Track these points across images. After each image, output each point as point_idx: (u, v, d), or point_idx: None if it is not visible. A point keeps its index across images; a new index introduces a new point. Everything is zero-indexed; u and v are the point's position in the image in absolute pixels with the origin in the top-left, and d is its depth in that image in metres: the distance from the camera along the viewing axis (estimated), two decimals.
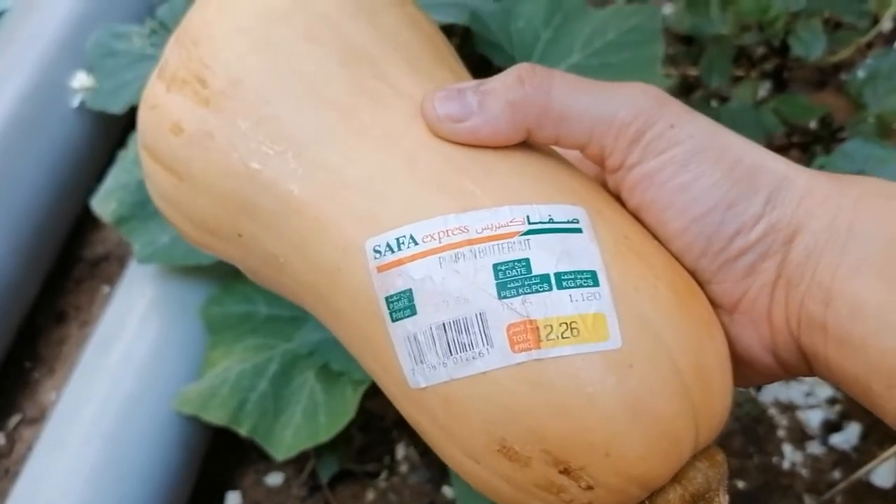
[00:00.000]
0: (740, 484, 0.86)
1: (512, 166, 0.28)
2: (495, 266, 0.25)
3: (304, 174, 0.28)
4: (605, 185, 0.30)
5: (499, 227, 0.26)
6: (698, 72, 0.99)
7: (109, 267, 1.06)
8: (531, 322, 0.25)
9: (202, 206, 0.30)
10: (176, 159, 0.29)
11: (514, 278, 0.25)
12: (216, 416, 0.76)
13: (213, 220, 0.30)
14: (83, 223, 1.08)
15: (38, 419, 0.93)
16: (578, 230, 0.26)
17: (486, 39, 0.83)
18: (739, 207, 0.27)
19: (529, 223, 0.26)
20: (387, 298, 0.26)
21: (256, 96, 0.28)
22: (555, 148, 0.31)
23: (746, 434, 0.90)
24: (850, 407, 0.89)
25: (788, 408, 0.91)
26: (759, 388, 0.93)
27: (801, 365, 0.28)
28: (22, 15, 1.07)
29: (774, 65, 1.05)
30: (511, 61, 0.83)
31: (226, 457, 0.89)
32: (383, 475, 0.87)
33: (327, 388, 0.76)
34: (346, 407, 0.74)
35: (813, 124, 1.02)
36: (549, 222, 0.26)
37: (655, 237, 0.28)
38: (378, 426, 0.88)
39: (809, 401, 0.91)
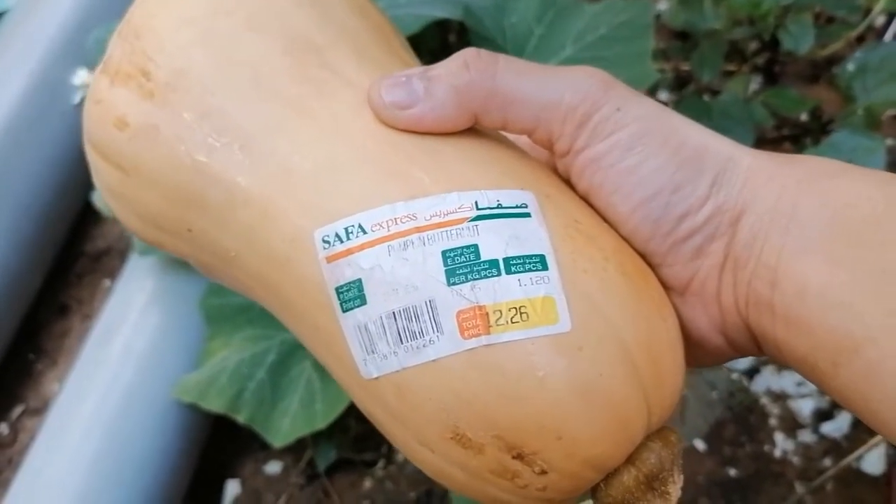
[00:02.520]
0: (732, 472, 0.87)
1: (460, 152, 0.28)
2: (444, 253, 0.25)
3: (251, 166, 0.27)
4: (555, 171, 0.30)
5: (447, 214, 0.26)
6: (690, 66, 1.00)
7: (110, 261, 1.07)
8: (480, 308, 0.25)
9: (150, 202, 0.29)
10: (121, 154, 0.29)
11: (462, 265, 0.25)
12: (215, 404, 0.77)
13: (161, 216, 0.30)
14: (85, 218, 1.10)
15: (41, 410, 0.95)
16: (527, 215, 0.26)
17: (479, 35, 0.84)
18: (686, 190, 0.27)
19: (478, 209, 0.26)
20: (337, 289, 0.26)
21: (201, 88, 0.28)
22: (505, 134, 0.31)
23: (738, 423, 0.91)
24: None
25: (780, 397, 0.92)
26: (751, 378, 0.94)
27: (751, 345, 0.28)
28: (24, 12, 1.09)
29: (766, 59, 1.06)
30: None
31: (225, 446, 0.91)
32: (380, 464, 0.88)
33: (324, 376, 0.77)
34: (343, 395, 0.76)
35: (804, 117, 1.03)
36: (497, 207, 0.26)
37: (605, 221, 0.28)
38: None
39: (801, 390, 0.92)
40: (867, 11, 1.01)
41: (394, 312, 0.25)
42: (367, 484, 0.87)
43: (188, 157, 0.28)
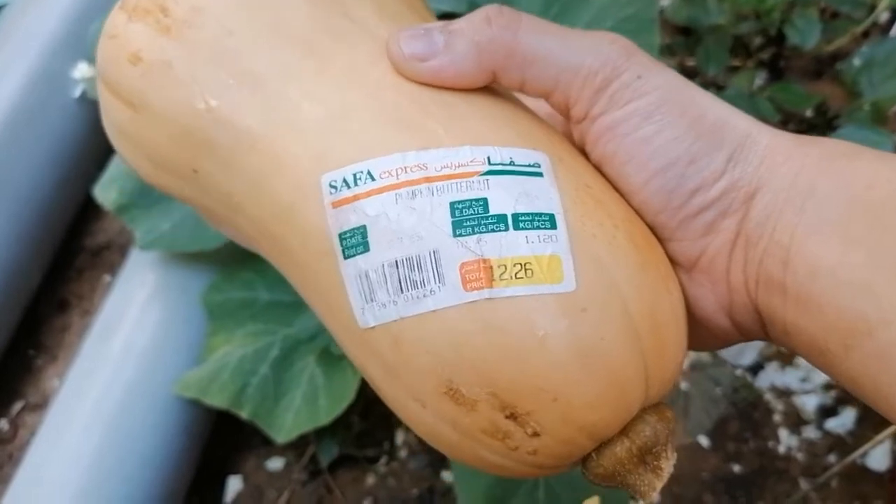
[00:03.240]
0: (736, 468, 0.87)
1: (477, 110, 0.27)
2: (452, 204, 0.25)
3: (263, 109, 0.27)
4: (570, 139, 0.30)
5: (458, 167, 0.25)
6: (695, 61, 1.00)
7: (111, 255, 1.07)
8: (485, 261, 0.24)
9: (158, 141, 0.29)
10: (133, 90, 0.28)
11: (470, 217, 0.25)
12: (217, 400, 0.77)
13: (168, 156, 0.29)
14: (85, 212, 1.09)
15: (41, 405, 0.94)
16: (539, 174, 0.26)
17: None
18: (701, 163, 0.26)
19: (490, 164, 0.26)
20: (340, 235, 0.25)
21: (218, 26, 0.27)
22: (524, 100, 0.30)
23: (743, 419, 0.91)
24: (845, 392, 0.90)
25: (784, 393, 0.92)
26: (755, 374, 0.93)
27: (757, 328, 0.28)
28: (24, 5, 1.08)
29: (771, 54, 1.05)
30: None
31: (227, 442, 0.90)
32: (383, 460, 0.88)
33: (328, 372, 0.77)
34: (347, 391, 0.75)
35: (809, 112, 1.03)
36: (509, 164, 0.26)
37: (617, 190, 0.28)
38: (378, 411, 0.89)
39: (805, 386, 0.92)
40: (872, 7, 1.01)
41: (396, 261, 0.25)
42: (370, 480, 0.87)
43: (199, 97, 0.27)
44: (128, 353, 0.82)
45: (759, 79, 1.07)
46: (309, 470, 0.88)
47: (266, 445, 0.89)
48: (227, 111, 0.27)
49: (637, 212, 0.28)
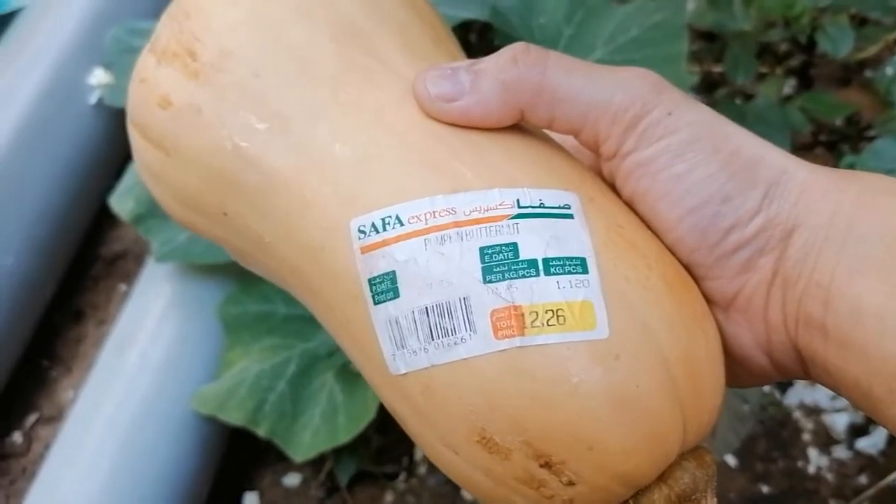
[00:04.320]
0: (765, 488, 0.85)
1: (504, 149, 0.27)
2: (482, 249, 0.25)
3: (291, 151, 0.27)
4: (600, 174, 0.29)
5: (487, 210, 0.25)
6: (722, 69, 0.97)
7: (126, 265, 1.05)
8: (516, 308, 0.24)
9: (188, 183, 0.29)
10: (163, 134, 0.29)
11: (500, 262, 0.24)
12: (234, 417, 0.75)
13: (198, 198, 0.30)
14: (100, 221, 1.08)
15: (56, 418, 0.93)
16: (570, 216, 0.26)
17: (507, 35, 0.82)
18: (736, 201, 0.26)
19: (519, 207, 0.25)
20: (370, 280, 0.25)
21: (246, 70, 0.28)
22: (551, 135, 0.30)
23: (771, 438, 0.88)
24: None
25: (814, 411, 0.90)
26: (783, 391, 0.91)
27: (797, 367, 0.27)
28: (40, 12, 1.07)
29: (800, 61, 1.03)
30: None
31: (243, 457, 0.89)
32: (402, 477, 0.86)
33: (347, 388, 0.75)
34: (366, 408, 0.73)
35: (839, 122, 1.01)
36: (539, 206, 0.25)
37: (650, 229, 0.28)
38: (397, 427, 0.88)
39: (835, 404, 0.90)
40: None
41: (426, 308, 0.25)
42: (389, 498, 0.85)
43: (228, 140, 0.28)
44: (143, 366, 0.81)
45: (788, 87, 1.05)
46: (326, 486, 0.86)
47: (283, 461, 0.88)
48: (255, 153, 0.27)
49: (671, 250, 0.27)
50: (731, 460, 0.87)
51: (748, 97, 1.01)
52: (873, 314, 0.23)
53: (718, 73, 1.05)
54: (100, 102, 1.02)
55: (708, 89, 1.08)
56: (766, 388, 0.91)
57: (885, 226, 0.24)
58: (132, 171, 0.87)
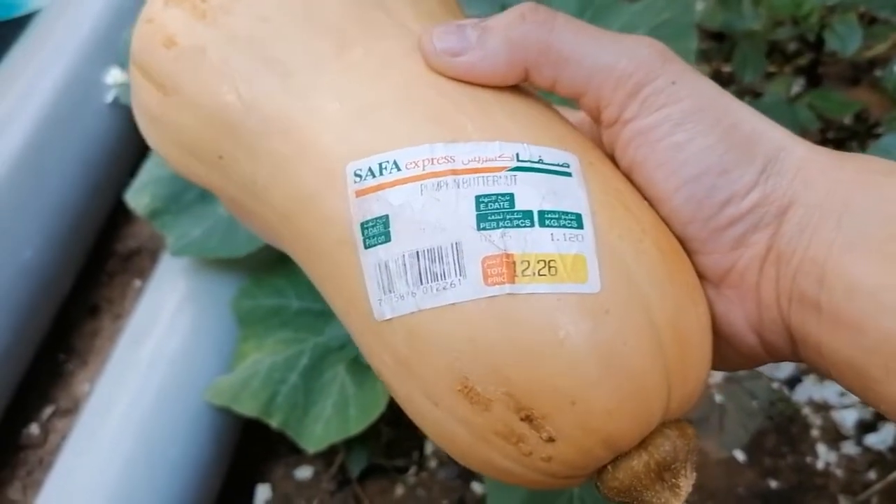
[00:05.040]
0: (773, 483, 0.85)
1: (507, 108, 0.27)
2: (478, 198, 0.24)
3: (293, 97, 0.27)
4: (599, 145, 0.29)
5: (486, 161, 0.25)
6: (731, 67, 0.98)
7: (142, 261, 1.07)
8: (508, 256, 0.24)
9: (186, 124, 0.29)
10: (165, 73, 0.29)
11: (495, 211, 0.24)
12: (247, 408, 0.76)
13: (195, 140, 0.29)
14: (116, 217, 1.10)
15: (72, 410, 0.94)
16: (568, 174, 0.26)
17: None
18: (733, 174, 0.26)
19: (518, 160, 0.25)
20: (362, 224, 0.25)
21: (253, 13, 0.28)
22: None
23: (780, 433, 0.89)
24: None
25: (822, 407, 0.90)
26: (792, 388, 0.91)
27: (787, 347, 0.27)
28: (57, 12, 1.09)
29: (809, 60, 1.04)
30: None
31: (256, 450, 0.90)
32: (412, 470, 0.87)
33: (358, 381, 0.76)
34: (377, 400, 0.74)
35: (848, 120, 1.01)
36: (538, 162, 0.25)
37: (646, 198, 0.27)
38: (407, 421, 0.88)
39: (844, 400, 0.90)
40: None
41: (417, 252, 0.24)
42: (399, 491, 0.86)
43: (230, 82, 0.28)
44: (158, 359, 0.82)
45: (797, 85, 1.05)
46: (338, 479, 0.87)
47: (295, 454, 0.89)
48: (256, 97, 0.27)
49: (665, 222, 0.27)
50: (739, 455, 0.87)
51: (757, 95, 1.02)
52: (869, 291, 0.23)
53: (727, 72, 1.06)
54: (116, 101, 1.04)
55: None
56: (775, 385, 0.91)
57: (882, 204, 0.24)
58: (147, 168, 0.88)
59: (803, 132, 0.90)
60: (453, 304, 0.24)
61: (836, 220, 0.24)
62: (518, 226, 0.24)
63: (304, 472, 0.88)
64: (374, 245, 0.25)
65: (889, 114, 0.89)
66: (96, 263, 1.06)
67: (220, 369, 0.82)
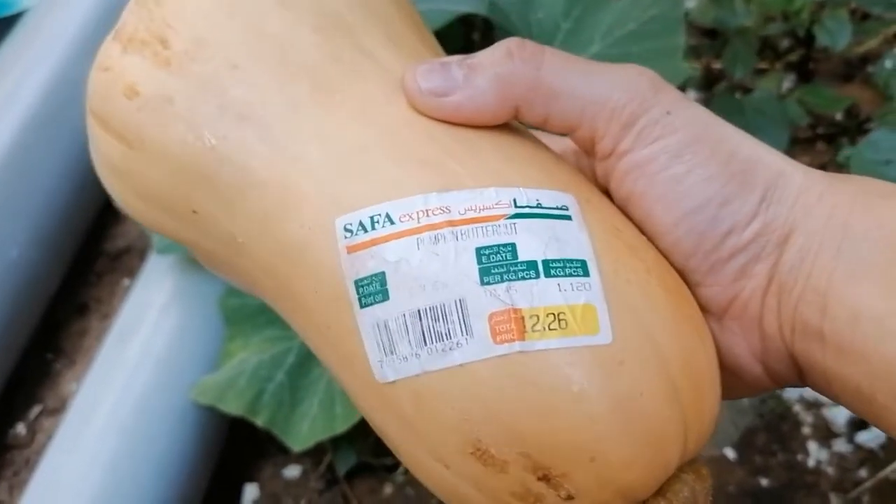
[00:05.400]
0: (764, 481, 0.85)
1: (498, 148, 0.26)
2: (478, 250, 0.23)
3: (272, 147, 0.25)
4: (592, 178, 0.28)
5: (483, 209, 0.24)
6: (722, 64, 0.98)
7: (130, 260, 1.06)
8: (516, 311, 0.23)
9: (154, 179, 0.27)
10: (127, 125, 0.27)
11: (498, 263, 0.23)
12: (233, 407, 0.76)
13: (165, 195, 0.28)
14: (104, 217, 1.09)
15: (59, 410, 0.94)
16: (568, 217, 0.24)
17: (505, 30, 0.82)
18: (734, 205, 0.25)
19: (516, 206, 0.24)
20: (356, 282, 0.24)
21: (222, 59, 0.26)
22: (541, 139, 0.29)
23: (771, 431, 0.88)
24: None
25: (814, 405, 0.90)
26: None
27: (793, 375, 0.26)
28: (45, 11, 1.09)
29: (799, 56, 1.03)
30: None
31: (244, 450, 0.89)
32: (401, 469, 0.87)
33: None
34: None
35: (839, 116, 1.01)
36: (536, 207, 0.24)
37: (644, 233, 0.27)
38: None
39: None
40: None
41: (419, 310, 0.23)
42: (388, 490, 0.85)
43: (202, 134, 0.26)
44: (145, 358, 0.82)
45: (788, 81, 1.05)
46: (326, 478, 0.86)
47: (283, 453, 0.88)
48: (232, 149, 0.26)
49: (665, 255, 0.26)
50: (730, 453, 0.87)
51: (747, 91, 1.02)
52: (872, 318, 0.23)
53: (719, 68, 1.06)
54: None
55: (708, 85, 1.08)
56: None
57: (881, 229, 0.24)
58: None
59: (794, 128, 0.89)
60: (461, 364, 0.23)
61: (837, 246, 0.24)
62: (523, 278, 0.23)
63: (292, 472, 0.88)
64: (371, 304, 0.24)
65: (880, 109, 0.89)
66: (85, 262, 1.06)
67: (207, 368, 0.82)
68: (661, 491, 0.25)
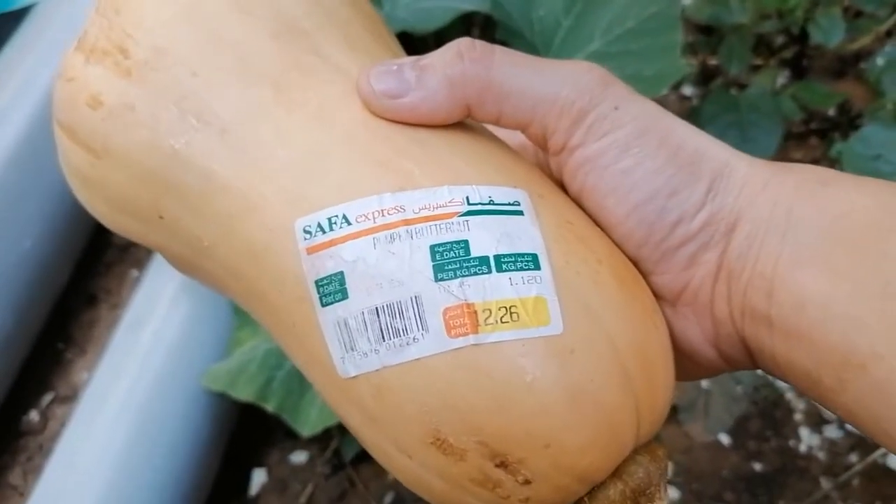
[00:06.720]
0: (757, 466, 0.87)
1: (451, 146, 0.27)
2: (432, 247, 0.24)
3: (232, 151, 0.26)
4: (546, 172, 0.29)
5: (437, 208, 0.24)
6: (717, 60, 1.00)
7: (138, 252, 1.08)
8: (469, 305, 0.23)
9: (120, 186, 0.28)
10: (93, 135, 0.27)
11: (451, 260, 0.24)
12: (244, 393, 0.78)
13: (132, 201, 0.28)
14: None
15: (71, 398, 0.96)
16: (520, 213, 0.25)
17: (507, 27, 0.84)
18: (682, 195, 0.26)
19: (469, 204, 0.25)
20: (317, 282, 0.24)
21: (182, 67, 0.26)
22: (497, 134, 0.30)
23: (763, 417, 0.91)
24: None
25: None
26: None
27: (745, 358, 0.27)
28: (55, 4, 1.10)
29: (794, 53, 1.05)
30: (532, 49, 0.84)
31: (252, 436, 0.91)
32: None
33: None
34: None
35: (832, 111, 1.03)
36: (489, 203, 0.25)
37: (597, 224, 0.27)
38: None
39: None
40: (895, 6, 1.00)
41: (377, 308, 0.24)
42: (392, 475, 0.88)
43: (165, 141, 0.26)
44: (156, 347, 0.84)
45: (782, 77, 1.07)
46: (332, 464, 0.89)
47: (290, 439, 0.90)
48: (193, 154, 0.26)
49: (618, 245, 0.27)
50: (724, 439, 0.90)
51: (742, 87, 1.04)
52: (816, 303, 0.24)
53: (714, 64, 1.08)
54: None
55: (704, 81, 1.10)
56: (759, 371, 0.93)
57: (822, 215, 0.24)
58: None
59: (788, 123, 0.92)
60: (418, 359, 0.24)
61: (782, 233, 0.25)
62: (476, 273, 0.24)
63: (299, 457, 0.90)
64: (332, 303, 0.24)
65: (871, 105, 0.91)
66: (94, 254, 1.08)
67: (217, 356, 0.84)
68: (616, 473, 0.26)
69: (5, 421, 0.94)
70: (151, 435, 0.80)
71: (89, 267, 1.07)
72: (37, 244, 0.94)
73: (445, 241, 0.24)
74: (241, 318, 0.83)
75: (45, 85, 1.00)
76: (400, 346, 0.24)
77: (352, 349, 0.24)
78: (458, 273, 0.24)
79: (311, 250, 0.25)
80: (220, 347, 0.85)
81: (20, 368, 0.95)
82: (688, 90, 1.13)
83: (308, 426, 0.77)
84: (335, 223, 0.25)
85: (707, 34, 1.11)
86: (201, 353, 0.84)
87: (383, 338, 0.24)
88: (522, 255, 0.24)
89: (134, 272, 1.07)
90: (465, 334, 0.23)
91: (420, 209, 0.24)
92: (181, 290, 0.87)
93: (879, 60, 0.92)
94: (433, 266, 0.24)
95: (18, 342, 0.94)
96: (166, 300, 0.87)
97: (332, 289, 0.24)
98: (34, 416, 0.95)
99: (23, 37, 1.07)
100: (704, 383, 0.92)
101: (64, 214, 0.99)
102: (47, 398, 0.96)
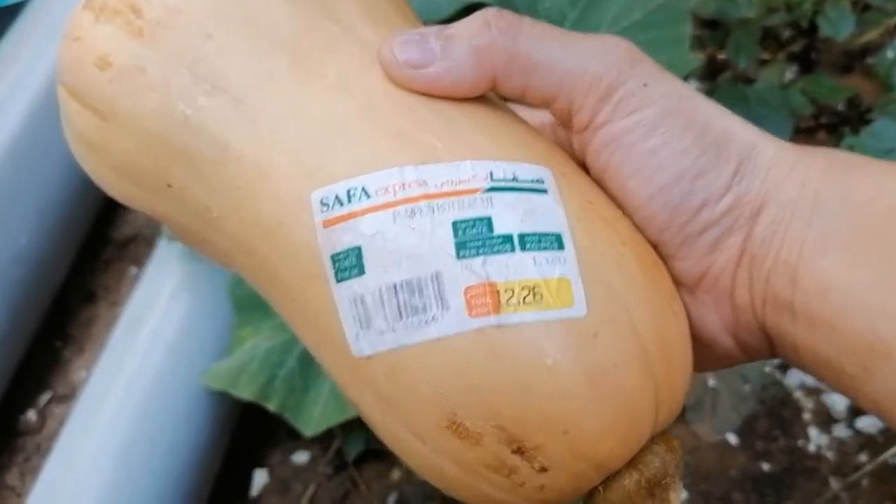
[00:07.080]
0: (765, 466, 0.86)
1: (475, 121, 0.26)
2: (454, 223, 0.23)
3: (247, 120, 0.25)
4: (568, 152, 0.28)
5: (459, 183, 0.24)
6: (725, 54, 0.99)
7: (137, 248, 1.07)
8: (491, 284, 0.23)
9: (127, 151, 0.27)
10: (100, 97, 0.26)
11: (474, 237, 0.23)
12: (245, 392, 0.77)
13: (138, 168, 0.27)
14: (112, 205, 1.10)
15: (69, 397, 0.95)
16: (543, 191, 0.24)
17: None
18: (708, 177, 0.25)
19: (492, 180, 0.24)
20: (332, 256, 0.24)
21: (196, 29, 0.25)
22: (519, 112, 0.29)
23: (772, 417, 0.90)
24: None
25: (814, 391, 0.91)
26: (784, 372, 0.92)
27: (764, 347, 0.27)
28: (47, 3, 1.08)
29: (802, 46, 1.04)
30: None
31: (253, 436, 0.90)
32: None
33: None
34: None
35: (841, 106, 1.02)
36: (513, 180, 0.24)
37: (618, 206, 0.27)
38: None
39: None
40: None
41: (395, 285, 0.23)
42: (396, 475, 0.87)
43: (176, 105, 0.25)
44: (155, 345, 0.83)
45: (790, 72, 1.06)
46: (334, 464, 0.88)
47: (292, 439, 0.89)
48: (206, 120, 0.25)
49: (639, 228, 0.27)
50: (732, 439, 0.88)
51: (750, 82, 1.03)
52: (841, 290, 0.23)
53: (722, 58, 1.07)
54: None
55: (712, 75, 1.09)
56: (767, 369, 0.92)
57: (848, 199, 0.24)
58: None
59: (797, 118, 0.90)
60: (437, 338, 0.23)
61: (808, 217, 0.24)
62: (499, 252, 0.23)
63: (301, 457, 0.89)
64: (348, 278, 0.23)
65: (881, 99, 0.90)
66: (92, 251, 1.07)
67: (217, 355, 0.83)
68: (632, 462, 0.25)
69: (2, 421, 0.93)
70: (151, 435, 0.79)
71: (87, 264, 1.06)
72: (33, 241, 0.93)
73: (468, 217, 0.23)
74: (242, 316, 0.82)
75: (42, 79, 0.99)
76: (418, 324, 0.23)
77: (367, 327, 0.23)
78: (481, 251, 0.23)
79: (328, 223, 0.24)
80: (221, 345, 0.83)
81: (17, 367, 0.94)
82: (695, 84, 1.12)
83: (310, 425, 0.76)
84: (354, 195, 0.24)
85: (713, 28, 1.10)
86: (201, 352, 0.83)
87: (401, 316, 0.23)
88: (546, 234, 0.24)
89: (133, 269, 1.06)
90: (487, 314, 0.23)
91: (442, 183, 0.24)
92: (181, 288, 0.86)
93: (889, 54, 0.91)
94: (455, 243, 0.23)
95: (15, 341, 0.93)
96: (166, 297, 0.86)
97: (349, 264, 0.23)
98: (32, 415, 0.94)
99: (18, 31, 1.06)
100: (711, 382, 0.90)
101: (61, 211, 0.98)
102: (45, 397, 0.95)
